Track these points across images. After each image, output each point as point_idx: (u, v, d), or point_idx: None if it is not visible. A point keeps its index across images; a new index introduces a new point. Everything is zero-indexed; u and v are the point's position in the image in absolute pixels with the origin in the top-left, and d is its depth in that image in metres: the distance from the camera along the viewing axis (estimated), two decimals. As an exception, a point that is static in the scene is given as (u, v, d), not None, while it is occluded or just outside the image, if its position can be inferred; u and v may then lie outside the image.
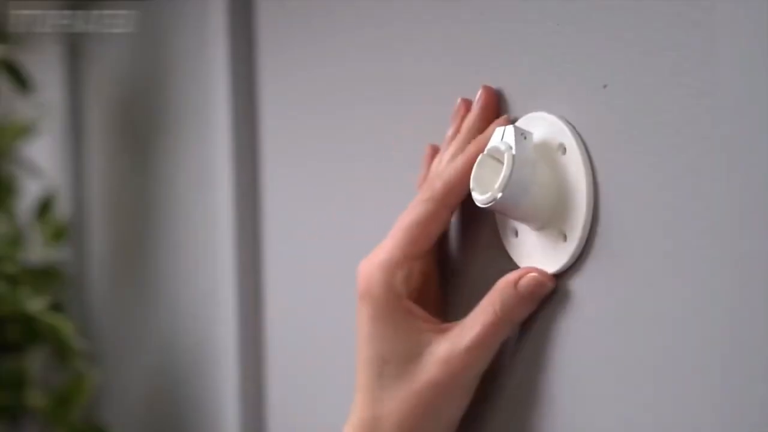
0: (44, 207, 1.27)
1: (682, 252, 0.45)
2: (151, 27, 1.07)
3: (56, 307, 1.19)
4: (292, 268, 0.82)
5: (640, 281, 0.48)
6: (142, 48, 1.11)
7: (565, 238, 0.51)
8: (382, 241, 0.56)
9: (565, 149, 0.51)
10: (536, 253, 0.52)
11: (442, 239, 0.59)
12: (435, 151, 0.60)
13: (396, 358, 0.54)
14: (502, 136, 0.51)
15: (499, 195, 0.50)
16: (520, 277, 0.52)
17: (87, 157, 1.30)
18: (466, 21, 0.59)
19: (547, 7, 0.52)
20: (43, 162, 1.33)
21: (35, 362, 1.20)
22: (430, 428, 0.54)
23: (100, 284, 1.27)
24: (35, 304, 1.09)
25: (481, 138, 0.54)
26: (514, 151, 0.50)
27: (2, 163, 1.26)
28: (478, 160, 0.52)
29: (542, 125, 0.52)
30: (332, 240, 0.75)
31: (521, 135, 0.50)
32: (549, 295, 0.52)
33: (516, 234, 0.54)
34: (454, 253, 0.59)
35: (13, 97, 1.28)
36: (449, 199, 0.55)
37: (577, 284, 0.51)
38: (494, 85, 0.56)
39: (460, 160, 0.54)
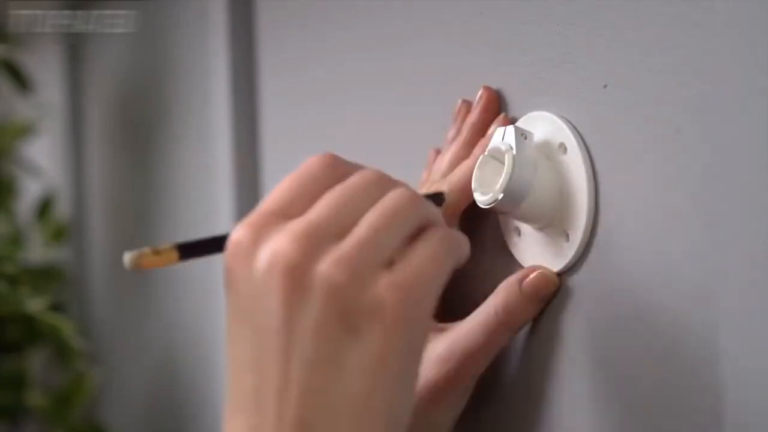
0: (44, 207, 1.28)
1: (682, 251, 0.46)
2: (151, 27, 1.07)
3: (56, 307, 1.19)
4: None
5: (641, 280, 0.48)
6: (142, 48, 1.11)
7: (567, 237, 0.51)
8: None
9: (565, 149, 0.51)
10: (539, 253, 0.52)
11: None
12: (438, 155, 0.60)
13: None
14: (502, 137, 0.51)
15: (501, 195, 0.50)
16: (525, 276, 0.52)
17: (87, 157, 1.30)
18: (466, 21, 0.59)
19: (547, 7, 0.52)
20: (43, 162, 1.33)
21: (35, 362, 1.20)
22: (423, 429, 0.54)
23: (100, 284, 1.27)
24: (35, 304, 1.09)
25: (485, 141, 0.54)
26: (514, 152, 0.50)
27: (2, 163, 1.27)
28: (479, 161, 0.52)
29: (543, 125, 0.52)
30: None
31: (522, 135, 0.51)
32: (552, 294, 0.52)
33: (519, 234, 0.54)
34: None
35: (13, 97, 1.28)
36: (457, 202, 0.55)
37: (580, 283, 0.51)
38: (494, 85, 0.56)
39: (467, 164, 0.54)
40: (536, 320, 0.53)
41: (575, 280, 0.51)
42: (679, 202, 0.46)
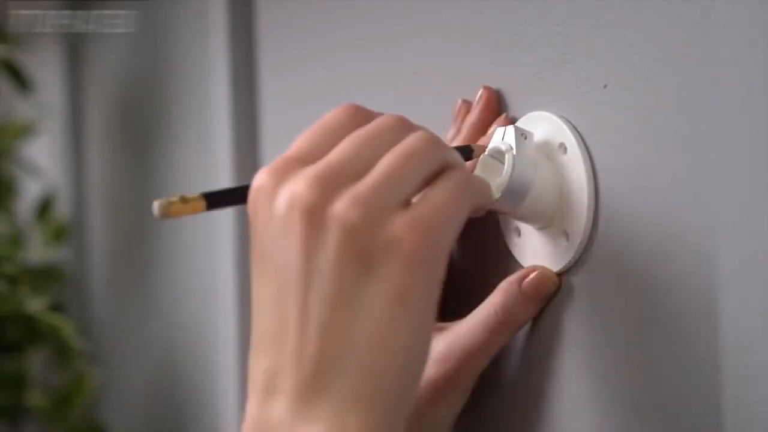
0: (44, 207, 1.27)
1: (682, 251, 0.46)
2: (151, 27, 1.07)
3: (56, 307, 1.19)
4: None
5: (641, 280, 0.48)
6: (142, 48, 1.11)
7: (567, 237, 0.51)
8: None
9: (565, 149, 0.51)
10: (539, 253, 0.53)
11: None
12: None
13: None
14: (502, 137, 0.51)
15: (500, 195, 0.50)
16: (524, 276, 0.52)
17: (87, 157, 1.30)
18: (466, 21, 0.59)
19: (547, 7, 0.52)
20: (43, 162, 1.33)
21: (35, 362, 1.20)
22: (422, 428, 0.54)
23: (100, 284, 1.27)
24: (35, 304, 1.09)
25: (485, 140, 0.55)
26: (514, 152, 0.50)
27: (2, 163, 1.27)
28: (479, 162, 0.52)
29: (543, 125, 0.52)
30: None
31: (522, 135, 0.51)
32: (552, 294, 0.52)
33: (519, 234, 0.54)
34: (457, 254, 0.59)
35: (13, 97, 1.28)
36: None
37: (580, 283, 0.51)
38: (494, 85, 0.56)
39: (467, 166, 0.55)
40: (536, 320, 0.53)
41: (575, 280, 0.51)
42: (680, 202, 0.46)
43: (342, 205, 0.42)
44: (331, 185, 0.42)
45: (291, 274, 0.42)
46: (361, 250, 0.41)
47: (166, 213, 0.45)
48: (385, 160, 0.43)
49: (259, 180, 0.44)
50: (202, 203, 0.46)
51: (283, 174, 0.44)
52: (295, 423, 0.41)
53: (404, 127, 0.45)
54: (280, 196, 0.43)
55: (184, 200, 0.46)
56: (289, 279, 0.42)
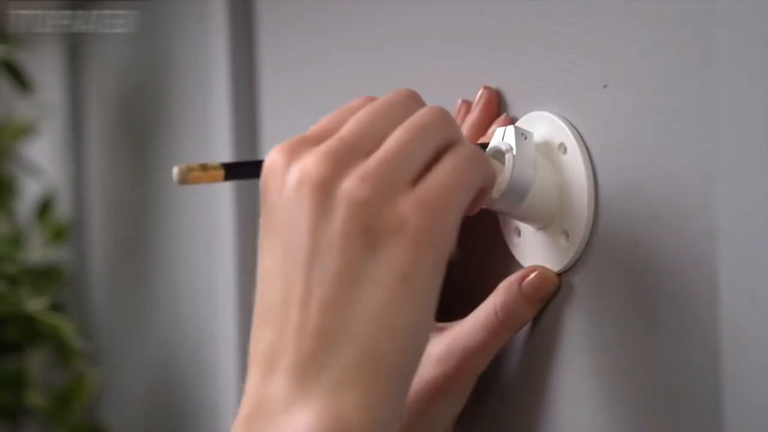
0: (44, 207, 1.28)
1: (683, 252, 0.46)
2: (151, 27, 1.07)
3: (56, 307, 1.19)
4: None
5: (641, 280, 0.48)
6: (142, 48, 1.11)
7: (567, 237, 0.51)
8: None
9: (565, 149, 0.51)
10: (539, 253, 0.53)
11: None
12: None
13: None
14: (502, 137, 0.51)
15: (500, 196, 0.50)
16: (524, 276, 0.52)
17: (87, 157, 1.30)
18: (466, 21, 0.59)
19: (547, 7, 0.52)
20: (43, 162, 1.33)
21: (35, 362, 1.20)
22: (423, 427, 0.54)
23: (100, 284, 1.27)
24: (35, 304, 1.09)
25: (485, 140, 0.55)
26: (514, 152, 0.50)
27: (2, 163, 1.27)
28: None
29: (543, 125, 0.52)
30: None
31: (522, 135, 0.51)
32: (552, 294, 0.52)
33: (519, 234, 0.54)
34: (457, 254, 0.59)
35: (13, 97, 1.28)
36: None
37: (580, 282, 0.51)
38: (494, 85, 0.56)
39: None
40: (537, 319, 0.53)
41: (575, 280, 0.51)
42: (680, 202, 0.46)
43: (350, 182, 0.42)
44: (340, 161, 0.43)
45: (297, 248, 0.42)
46: (367, 227, 0.42)
47: (185, 179, 0.46)
48: (395, 134, 0.44)
49: (272, 157, 0.45)
50: (221, 172, 0.47)
51: (295, 151, 0.44)
52: (293, 401, 0.41)
53: (414, 100, 0.46)
54: (290, 172, 0.43)
55: (203, 168, 0.46)
56: (295, 253, 0.42)
